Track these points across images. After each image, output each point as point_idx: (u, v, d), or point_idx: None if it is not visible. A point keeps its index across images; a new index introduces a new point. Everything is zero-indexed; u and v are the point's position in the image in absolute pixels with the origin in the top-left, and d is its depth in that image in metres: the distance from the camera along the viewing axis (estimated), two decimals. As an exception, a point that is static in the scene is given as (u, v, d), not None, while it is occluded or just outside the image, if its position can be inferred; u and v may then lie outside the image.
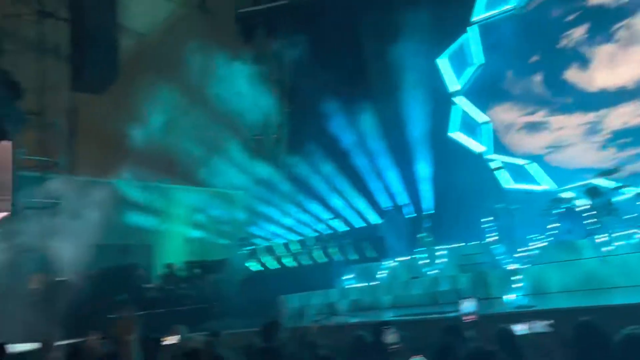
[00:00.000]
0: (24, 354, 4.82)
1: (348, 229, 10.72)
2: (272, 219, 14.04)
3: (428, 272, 9.34)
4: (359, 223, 10.79)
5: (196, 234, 14.22)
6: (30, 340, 6.15)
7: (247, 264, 11.45)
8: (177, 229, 13.97)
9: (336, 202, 11.41)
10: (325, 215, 10.92)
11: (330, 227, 10.68)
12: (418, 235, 10.15)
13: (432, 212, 11.06)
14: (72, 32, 12.09)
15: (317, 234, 10.84)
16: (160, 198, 14.37)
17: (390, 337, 4.01)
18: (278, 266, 11.10)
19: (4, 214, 10.96)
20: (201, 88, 16.16)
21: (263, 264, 11.22)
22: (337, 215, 10.70)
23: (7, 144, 10.91)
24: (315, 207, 11.88)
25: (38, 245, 11.44)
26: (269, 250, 10.95)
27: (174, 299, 11.36)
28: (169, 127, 15.91)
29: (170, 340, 5.14)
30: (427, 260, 9.60)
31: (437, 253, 9.61)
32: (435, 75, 12.15)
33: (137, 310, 10.31)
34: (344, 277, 9.81)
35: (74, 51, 12.14)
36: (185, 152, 15.43)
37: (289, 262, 10.78)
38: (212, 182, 15.00)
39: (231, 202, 15.39)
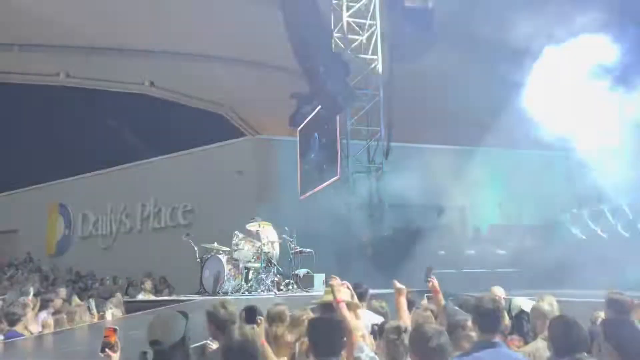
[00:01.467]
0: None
1: None
2: (599, 180, 12.52)
3: None
4: None
5: (511, 196, 13.85)
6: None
7: (571, 229, 10.55)
8: (491, 191, 13.84)
9: None
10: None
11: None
12: None
13: None
14: (389, 10, 13.01)
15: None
16: (472, 161, 14.46)
17: None
18: (606, 233, 9.91)
19: (335, 177, 12.71)
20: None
21: (590, 230, 10.15)
22: None
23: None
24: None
25: (366, 205, 12.98)
26: (598, 214, 9.80)
27: (489, 260, 11.39)
28: (477, 91, 15.76)
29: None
30: None
31: None
32: None
33: (455, 268, 10.71)
34: None
35: (390, 26, 13.09)
36: (495, 113, 15.05)
37: (625, 228, 9.49)
38: (527, 143, 14.27)
39: (550, 164, 14.38)
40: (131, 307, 9.46)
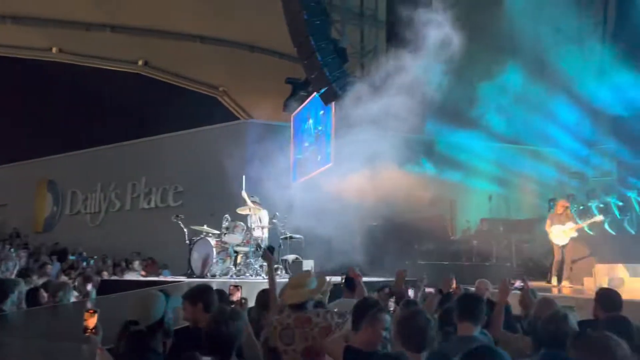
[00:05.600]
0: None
1: None
2: (589, 177, 12.61)
3: None
4: None
5: (501, 190, 13.88)
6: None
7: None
8: (481, 184, 13.86)
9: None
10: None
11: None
12: None
13: None
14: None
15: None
16: (464, 153, 14.46)
17: None
18: (593, 232, 9.97)
19: (328, 164, 12.62)
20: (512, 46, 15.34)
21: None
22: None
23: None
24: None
25: (346, 195, 12.93)
26: (585, 213, 9.89)
27: (476, 253, 11.44)
28: (472, 84, 15.71)
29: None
30: None
31: None
32: None
33: (442, 260, 10.75)
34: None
35: (389, 14, 13.00)
36: (491, 108, 15.05)
37: (611, 225, 9.58)
38: (519, 138, 14.29)
39: (540, 159, 14.42)
40: (118, 286, 9.46)
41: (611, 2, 12.75)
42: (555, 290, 8.74)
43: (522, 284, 4.49)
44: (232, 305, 3.14)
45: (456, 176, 14.04)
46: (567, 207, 9.57)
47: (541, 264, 11.09)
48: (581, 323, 3.63)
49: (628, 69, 11.50)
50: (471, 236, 12.13)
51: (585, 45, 13.40)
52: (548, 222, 9.59)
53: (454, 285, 4.62)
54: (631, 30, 12.20)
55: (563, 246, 9.29)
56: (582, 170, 13.13)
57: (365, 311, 3.08)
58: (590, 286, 8.48)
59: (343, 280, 5.09)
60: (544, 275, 10.56)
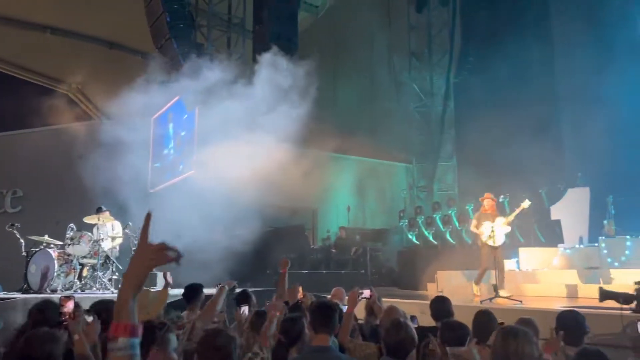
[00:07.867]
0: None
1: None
2: (447, 192, 13.77)
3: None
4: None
5: (358, 202, 14.58)
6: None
7: (408, 235, 11.41)
8: (341, 196, 14.44)
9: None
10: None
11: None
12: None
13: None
14: (255, 6, 12.95)
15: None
16: (326, 166, 14.99)
17: None
18: (436, 241, 10.89)
19: (190, 171, 12.24)
20: (372, 62, 16.29)
21: (423, 237, 11.07)
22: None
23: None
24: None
25: (207, 204, 12.68)
26: (430, 224, 10.76)
27: (333, 261, 11.84)
28: (337, 100, 16.39)
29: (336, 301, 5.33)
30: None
31: None
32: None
33: (302, 269, 10.88)
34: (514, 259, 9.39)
35: (256, 24, 13.03)
36: (351, 124, 15.82)
37: (452, 237, 10.51)
38: (376, 153, 15.17)
39: (394, 174, 15.44)
40: None
41: (457, 33, 14.14)
42: (502, 302, 7.05)
43: (370, 293, 4.69)
44: (64, 318, 2.84)
45: (319, 187, 14.47)
46: (493, 201, 7.96)
47: (392, 271, 11.82)
48: (420, 329, 3.87)
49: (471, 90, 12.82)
50: (330, 245, 12.52)
51: (434, 69, 14.71)
52: (474, 222, 7.91)
53: (300, 295, 4.67)
54: (473, 58, 13.66)
55: (497, 247, 7.60)
56: (428, 184, 14.31)
57: (154, 334, 2.85)
58: (433, 292, 9.22)
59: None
60: (395, 281, 11.27)
